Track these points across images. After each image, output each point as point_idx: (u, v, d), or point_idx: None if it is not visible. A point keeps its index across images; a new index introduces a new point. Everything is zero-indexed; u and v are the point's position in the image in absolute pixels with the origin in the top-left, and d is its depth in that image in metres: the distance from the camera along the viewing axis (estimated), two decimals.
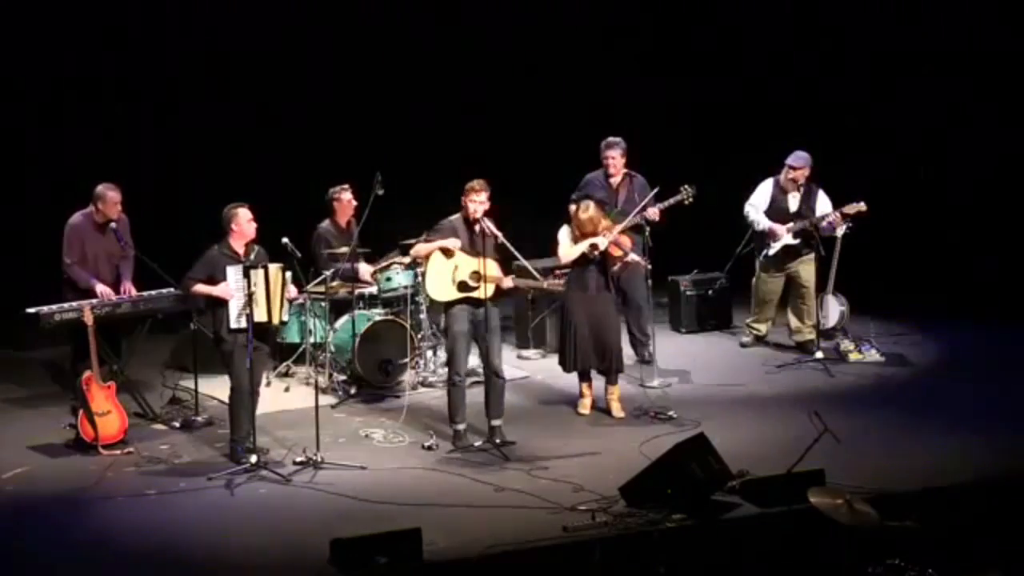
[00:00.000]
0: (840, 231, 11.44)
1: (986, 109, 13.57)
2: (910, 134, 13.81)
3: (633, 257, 10.10)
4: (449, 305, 9.43)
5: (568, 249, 9.91)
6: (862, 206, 11.30)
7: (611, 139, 11.19)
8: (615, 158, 11.12)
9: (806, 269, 11.64)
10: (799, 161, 11.47)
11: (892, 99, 13.93)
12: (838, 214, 11.32)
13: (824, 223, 11.37)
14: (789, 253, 11.58)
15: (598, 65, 14.34)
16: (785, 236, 11.48)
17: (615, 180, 11.13)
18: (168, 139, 13.25)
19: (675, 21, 14.63)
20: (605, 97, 14.09)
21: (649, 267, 10.45)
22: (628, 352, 11.01)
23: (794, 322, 11.79)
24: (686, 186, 11.00)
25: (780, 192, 11.58)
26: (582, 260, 9.87)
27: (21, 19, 12.73)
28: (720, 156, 13.58)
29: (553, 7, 14.33)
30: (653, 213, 10.92)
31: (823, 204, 11.47)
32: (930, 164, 13.75)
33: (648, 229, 10.77)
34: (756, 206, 11.61)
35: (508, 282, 9.42)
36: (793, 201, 11.56)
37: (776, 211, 11.56)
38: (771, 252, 11.59)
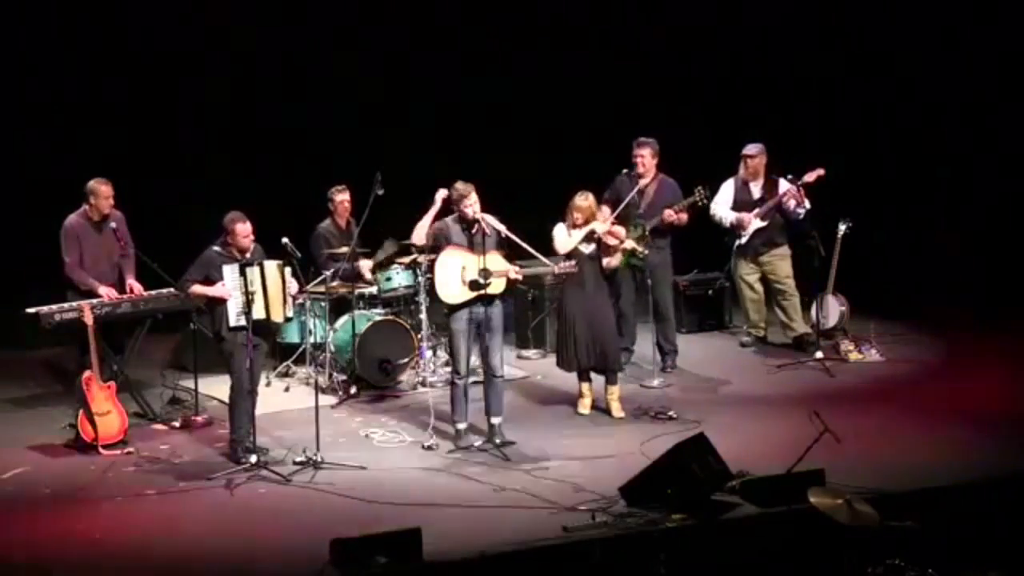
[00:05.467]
0: (841, 227, 11.50)
1: (985, 108, 13.58)
2: (910, 133, 13.83)
3: (630, 244, 10.06)
4: (454, 306, 9.43)
5: (566, 239, 9.90)
6: (821, 172, 11.36)
7: (642, 138, 11.08)
8: (644, 157, 11.00)
9: (782, 265, 11.69)
10: (753, 149, 11.60)
11: (892, 99, 13.95)
12: (798, 186, 11.35)
13: (787, 198, 11.41)
14: (764, 240, 11.63)
15: (599, 64, 14.33)
16: (754, 221, 11.54)
17: (644, 181, 11.02)
18: (168, 139, 13.25)
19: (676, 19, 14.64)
20: (605, 96, 14.09)
21: (646, 252, 10.36)
22: (641, 354, 11.16)
23: (783, 319, 11.82)
24: (700, 188, 10.98)
25: (742, 185, 11.70)
26: (577, 253, 9.85)
27: (21, 19, 12.73)
28: (720, 155, 13.57)
29: (553, 6, 14.33)
30: (669, 215, 10.89)
31: (786, 187, 11.52)
32: (929, 163, 13.79)
33: (646, 232, 10.81)
34: (721, 203, 11.70)
35: (515, 273, 9.40)
36: (756, 190, 11.64)
37: (742, 204, 11.66)
38: (743, 240, 11.65)
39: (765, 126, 12.50)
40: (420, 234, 9.73)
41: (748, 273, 11.76)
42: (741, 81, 14.34)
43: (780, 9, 14.12)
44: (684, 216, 10.95)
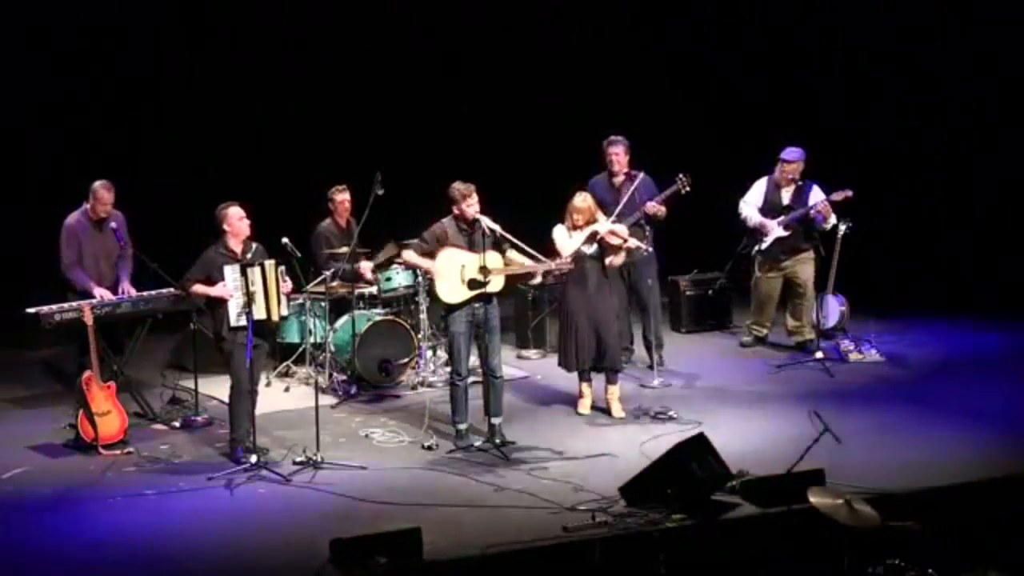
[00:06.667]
0: (841, 227, 11.47)
1: (986, 107, 13.59)
2: (909, 133, 13.84)
3: (633, 242, 10.05)
4: (452, 307, 9.43)
5: (568, 241, 9.89)
6: (849, 193, 11.35)
7: (614, 137, 11.13)
8: (618, 155, 11.02)
9: (804, 268, 11.65)
10: (793, 155, 11.51)
11: (890, 97, 13.96)
12: (826, 202, 11.35)
13: (813, 212, 11.39)
14: (786, 249, 11.59)
15: (596, 62, 14.34)
16: (775, 229, 11.50)
17: (618, 180, 11.07)
18: (168, 139, 13.26)
19: (675, 16, 14.66)
20: (604, 95, 14.10)
21: (650, 250, 10.32)
22: (640, 354, 11.20)
23: (791, 322, 11.81)
24: (680, 175, 10.93)
25: (775, 188, 11.63)
26: (578, 253, 9.85)
27: (20, 18, 12.74)
28: (720, 154, 13.57)
29: (551, 5, 14.35)
30: (652, 208, 10.88)
31: (816, 198, 11.48)
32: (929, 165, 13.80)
33: (648, 228, 10.79)
34: (749, 203, 11.65)
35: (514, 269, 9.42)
36: (787, 196, 11.59)
37: (771, 207, 11.59)
38: (763, 246, 11.62)
39: (766, 126, 12.51)
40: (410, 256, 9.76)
41: (770, 277, 11.72)
42: (743, 81, 14.36)
43: (780, 9, 14.15)
44: (664, 209, 10.93)
